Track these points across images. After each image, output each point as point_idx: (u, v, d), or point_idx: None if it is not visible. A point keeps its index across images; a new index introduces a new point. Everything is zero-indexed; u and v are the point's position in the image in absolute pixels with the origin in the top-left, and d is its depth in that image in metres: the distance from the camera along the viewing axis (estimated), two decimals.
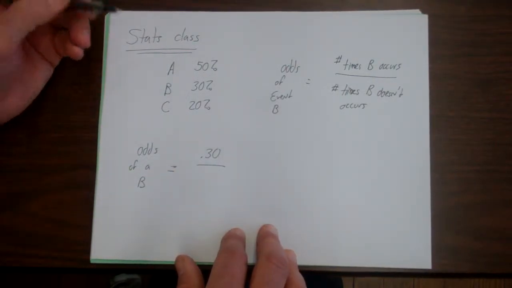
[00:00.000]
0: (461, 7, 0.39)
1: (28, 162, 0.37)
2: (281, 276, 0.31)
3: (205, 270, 0.34)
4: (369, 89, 0.38)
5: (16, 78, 0.35)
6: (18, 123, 0.39)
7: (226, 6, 0.40)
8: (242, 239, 0.35)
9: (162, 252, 0.37)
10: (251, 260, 0.36)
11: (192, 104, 0.39)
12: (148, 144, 0.38)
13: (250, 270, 0.31)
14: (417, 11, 0.39)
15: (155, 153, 0.38)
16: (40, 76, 0.37)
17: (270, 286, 0.30)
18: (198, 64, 0.39)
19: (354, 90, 0.38)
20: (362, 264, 0.36)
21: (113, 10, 0.36)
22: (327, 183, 0.37)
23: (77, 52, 0.36)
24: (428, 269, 0.36)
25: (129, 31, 0.39)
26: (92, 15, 0.35)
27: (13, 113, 0.36)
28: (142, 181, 0.38)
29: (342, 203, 0.37)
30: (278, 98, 0.38)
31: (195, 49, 0.39)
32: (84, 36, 0.36)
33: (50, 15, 0.33)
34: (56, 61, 0.38)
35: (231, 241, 0.34)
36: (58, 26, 0.37)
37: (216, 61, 0.39)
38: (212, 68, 0.39)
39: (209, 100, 0.39)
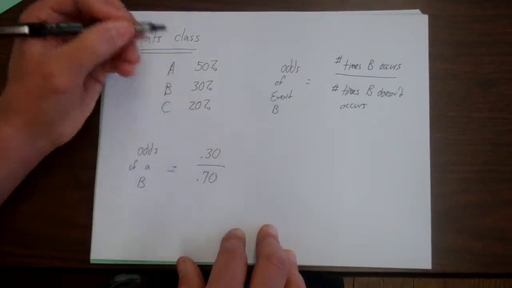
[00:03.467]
0: (461, 7, 0.39)
1: None
2: (281, 276, 0.31)
3: (205, 270, 0.34)
4: (369, 89, 0.38)
5: (74, 108, 0.35)
6: None
7: (226, 6, 0.40)
8: (242, 240, 0.35)
9: (162, 252, 0.37)
10: (251, 260, 0.36)
11: (192, 104, 0.39)
12: (148, 144, 0.38)
13: (250, 270, 0.31)
14: (417, 11, 0.39)
15: (155, 153, 0.38)
16: (91, 96, 0.37)
17: (270, 286, 0.30)
18: (198, 64, 0.39)
19: (354, 90, 0.38)
20: (362, 264, 0.36)
21: (162, 28, 0.35)
22: (327, 183, 0.37)
23: (130, 70, 0.36)
24: (428, 269, 0.36)
25: None
26: (143, 36, 0.36)
27: (68, 137, 0.36)
28: (142, 181, 0.38)
29: (342, 203, 0.37)
30: (278, 98, 0.38)
31: (195, 49, 0.39)
32: (135, 54, 0.36)
33: (116, 50, 0.33)
34: (104, 78, 0.38)
35: (231, 242, 0.34)
36: None
37: (216, 61, 0.39)
38: (212, 68, 0.39)
39: (209, 100, 0.39)
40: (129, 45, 0.35)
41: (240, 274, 0.31)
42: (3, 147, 0.33)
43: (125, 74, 0.36)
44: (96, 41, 0.32)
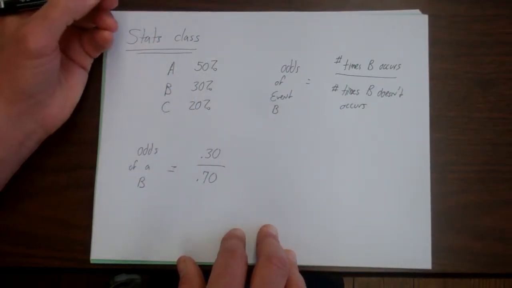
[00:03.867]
0: (461, 7, 0.39)
1: (28, 162, 0.37)
2: (281, 276, 0.31)
3: (205, 270, 0.34)
4: (369, 89, 0.38)
5: (56, 83, 0.35)
6: None
7: (226, 6, 0.40)
8: (242, 239, 0.35)
9: (162, 252, 0.37)
10: (251, 260, 0.36)
11: (192, 104, 0.39)
12: (148, 144, 0.38)
13: (250, 270, 0.31)
14: (417, 11, 0.39)
15: (155, 153, 0.38)
16: (76, 82, 0.37)
17: (270, 286, 0.30)
18: (198, 64, 0.39)
19: (354, 90, 0.38)
20: (362, 264, 0.36)
21: None
22: (327, 183, 0.37)
23: (107, 37, 0.36)
24: (428, 269, 0.36)
25: (129, 31, 0.39)
26: (115, 1, 0.36)
27: (57, 123, 0.36)
28: (142, 181, 0.38)
29: (342, 203, 0.37)
30: (278, 98, 0.38)
31: (195, 49, 0.39)
32: (110, 19, 0.36)
33: (86, 9, 0.33)
34: (88, 64, 0.38)
35: (231, 241, 0.34)
36: (83, 27, 0.37)
37: (216, 61, 0.39)
38: (212, 68, 0.39)
39: (209, 100, 0.39)
40: (103, 11, 0.36)
41: (240, 274, 0.31)
42: None
43: (103, 42, 0.36)
44: None
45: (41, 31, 0.32)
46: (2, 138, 0.33)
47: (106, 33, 0.36)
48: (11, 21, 0.35)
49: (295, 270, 0.33)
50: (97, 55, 0.38)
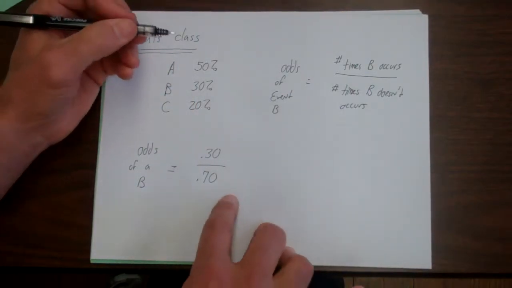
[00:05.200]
0: (461, 7, 0.39)
1: None
2: (276, 242, 0.33)
3: None
4: (369, 89, 0.38)
5: (70, 103, 0.35)
6: None
7: (226, 6, 0.40)
8: (228, 207, 0.36)
9: (162, 252, 0.37)
10: None
11: (192, 104, 0.39)
12: (148, 144, 0.38)
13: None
14: (417, 11, 0.39)
15: (155, 153, 0.38)
16: (88, 97, 0.37)
17: (263, 250, 0.32)
18: (198, 64, 0.39)
19: (354, 90, 0.38)
20: (362, 264, 0.36)
21: (165, 33, 0.35)
22: (327, 183, 0.37)
23: (129, 73, 0.36)
24: (428, 269, 0.36)
25: None
26: (144, 39, 0.36)
27: (63, 136, 0.36)
28: (142, 181, 0.38)
29: (342, 203, 0.37)
30: (278, 98, 0.38)
31: (195, 49, 0.39)
32: (135, 58, 0.36)
33: (117, 48, 0.33)
34: (102, 80, 0.38)
35: (214, 212, 0.35)
36: None
37: (216, 61, 0.39)
38: (212, 68, 0.39)
39: (209, 100, 0.39)
40: (130, 48, 0.35)
41: (220, 243, 0.32)
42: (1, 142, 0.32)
43: (123, 77, 0.36)
44: (98, 35, 0.32)
45: (67, 65, 0.31)
46: (9, 149, 0.33)
47: (128, 70, 0.36)
48: (39, 37, 0.33)
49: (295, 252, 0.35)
50: (113, 74, 0.37)
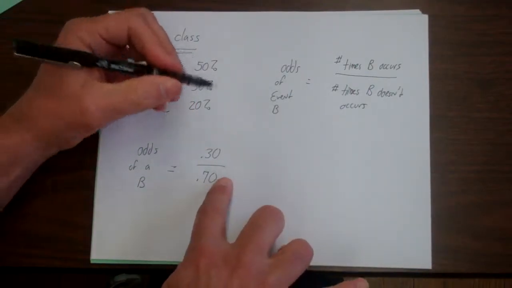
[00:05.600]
0: (461, 7, 0.39)
1: None
2: (273, 221, 0.33)
3: None
4: (369, 89, 0.38)
5: None
6: None
7: (226, 6, 0.40)
8: (221, 191, 0.36)
9: (162, 252, 0.37)
10: None
11: (192, 104, 0.39)
12: (148, 144, 0.38)
13: None
14: (417, 11, 0.39)
15: (155, 153, 0.38)
16: None
17: (258, 228, 0.32)
18: (198, 64, 0.39)
19: (354, 90, 0.38)
20: (362, 264, 0.36)
21: (209, 84, 0.35)
22: (327, 183, 0.37)
23: (162, 109, 0.36)
24: (428, 269, 0.36)
25: None
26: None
27: (73, 145, 0.36)
28: (142, 181, 0.38)
29: (341, 203, 0.37)
30: (278, 98, 0.38)
31: (195, 49, 0.39)
32: (175, 99, 0.35)
33: (156, 106, 0.34)
34: None
35: (206, 199, 0.35)
36: None
37: (216, 61, 0.39)
38: (212, 68, 0.39)
39: (209, 100, 0.39)
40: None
41: (212, 225, 0.33)
42: (18, 153, 0.33)
43: (157, 110, 0.36)
44: (144, 95, 0.32)
45: (106, 118, 0.32)
46: (26, 162, 0.34)
47: (162, 107, 0.36)
48: (78, 73, 0.32)
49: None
50: None
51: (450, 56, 0.39)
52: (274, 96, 0.38)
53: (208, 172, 0.38)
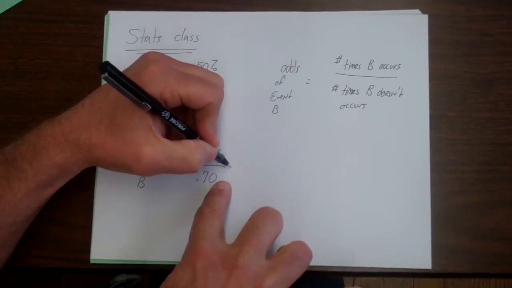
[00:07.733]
0: (461, 7, 0.39)
1: None
2: (271, 222, 0.33)
3: None
4: (369, 89, 0.38)
5: None
6: (19, 124, 0.39)
7: (226, 6, 0.40)
8: (220, 194, 0.36)
9: (162, 252, 0.37)
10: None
11: None
12: None
13: None
14: (417, 11, 0.39)
15: None
16: None
17: (255, 229, 0.32)
18: (198, 64, 0.39)
19: (354, 90, 0.38)
20: (362, 264, 0.36)
21: (226, 163, 0.37)
22: (327, 183, 0.37)
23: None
24: (428, 269, 0.36)
25: (129, 31, 0.39)
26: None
27: None
28: (142, 181, 0.38)
29: (341, 203, 0.37)
30: (278, 98, 0.38)
31: (195, 49, 0.39)
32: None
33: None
34: None
35: (205, 201, 0.36)
36: None
37: (216, 61, 0.39)
38: (212, 68, 0.39)
39: None
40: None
41: (209, 227, 0.33)
42: (69, 169, 0.33)
43: None
44: (199, 163, 0.33)
45: (155, 170, 0.32)
46: (71, 174, 0.35)
47: None
48: (146, 114, 0.32)
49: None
50: None
51: (450, 56, 0.39)
52: (274, 96, 0.38)
53: (208, 172, 0.38)
